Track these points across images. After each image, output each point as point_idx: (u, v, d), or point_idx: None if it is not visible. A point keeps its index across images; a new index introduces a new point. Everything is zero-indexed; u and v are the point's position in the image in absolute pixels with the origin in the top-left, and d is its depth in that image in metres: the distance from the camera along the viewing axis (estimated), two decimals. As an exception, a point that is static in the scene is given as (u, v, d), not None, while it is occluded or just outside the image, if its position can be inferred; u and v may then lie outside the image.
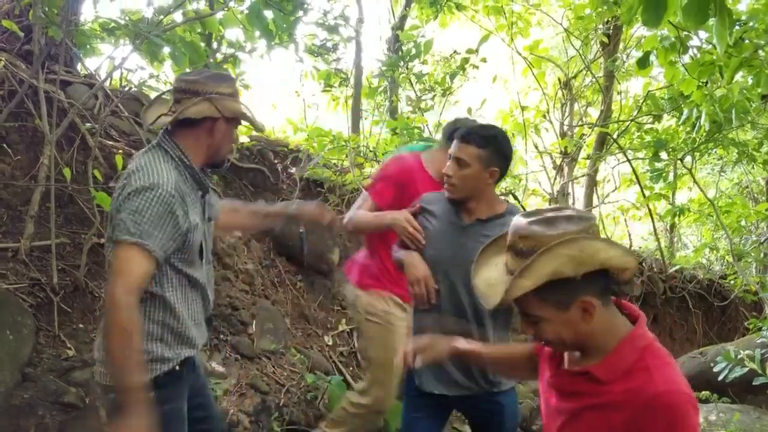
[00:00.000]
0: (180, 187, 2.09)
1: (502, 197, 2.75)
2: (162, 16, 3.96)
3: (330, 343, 4.76)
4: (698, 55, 5.31)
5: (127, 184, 2.05)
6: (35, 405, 2.91)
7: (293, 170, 5.68)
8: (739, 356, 4.01)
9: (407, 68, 6.16)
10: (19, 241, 3.46)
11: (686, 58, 5.34)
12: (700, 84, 5.55)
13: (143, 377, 1.97)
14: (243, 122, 2.31)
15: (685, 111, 6.31)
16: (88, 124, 3.93)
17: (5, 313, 3.03)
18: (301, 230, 5.03)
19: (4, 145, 3.77)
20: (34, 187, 3.63)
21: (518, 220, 1.53)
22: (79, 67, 4.65)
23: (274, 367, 4.10)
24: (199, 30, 4.61)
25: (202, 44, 4.60)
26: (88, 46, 4.42)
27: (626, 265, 1.47)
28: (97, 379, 2.14)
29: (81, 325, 3.39)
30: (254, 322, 4.23)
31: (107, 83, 4.37)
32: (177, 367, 2.16)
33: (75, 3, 4.18)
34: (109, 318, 1.96)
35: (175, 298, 2.14)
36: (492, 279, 1.54)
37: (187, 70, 4.39)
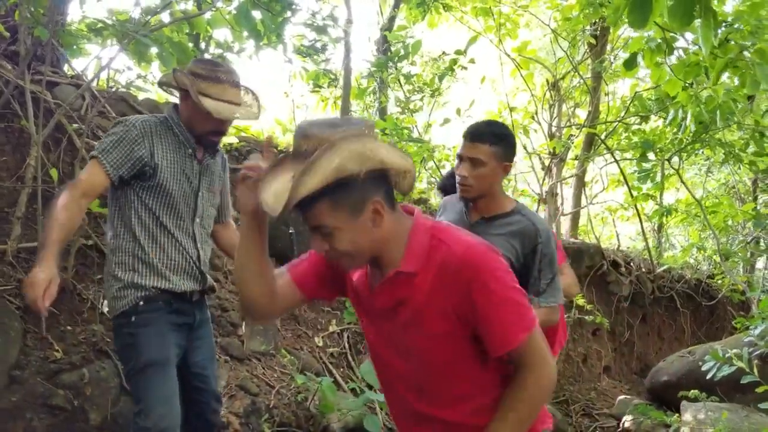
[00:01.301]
0: (150, 127, 2.50)
1: (539, 217, 2.76)
2: (149, 17, 3.94)
3: (320, 344, 4.75)
4: (684, 57, 5.35)
5: None
6: (23, 408, 2.88)
7: (282, 171, 5.66)
8: (726, 355, 4.05)
9: (396, 69, 6.17)
10: (5, 243, 3.43)
11: (673, 59, 5.39)
12: (686, 85, 5.59)
13: (60, 240, 2.32)
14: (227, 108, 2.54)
15: (671, 112, 6.36)
16: (75, 125, 3.90)
17: (-8, 315, 3.00)
18: (291, 231, 5.02)
19: (-10, 146, 3.74)
20: (20, 188, 3.60)
21: (301, 125, 1.53)
22: (65, 67, 4.62)
23: (264, 368, 4.09)
24: (186, 30, 4.59)
25: (190, 44, 4.58)
26: (74, 47, 4.39)
27: (405, 167, 1.52)
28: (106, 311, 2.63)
29: (69, 327, 3.36)
30: (244, 323, 4.22)
31: (94, 84, 4.34)
32: (155, 298, 2.44)
33: (61, 3, 4.14)
34: (54, 201, 2.40)
35: (143, 234, 2.48)
36: (279, 189, 1.46)
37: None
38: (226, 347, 4.00)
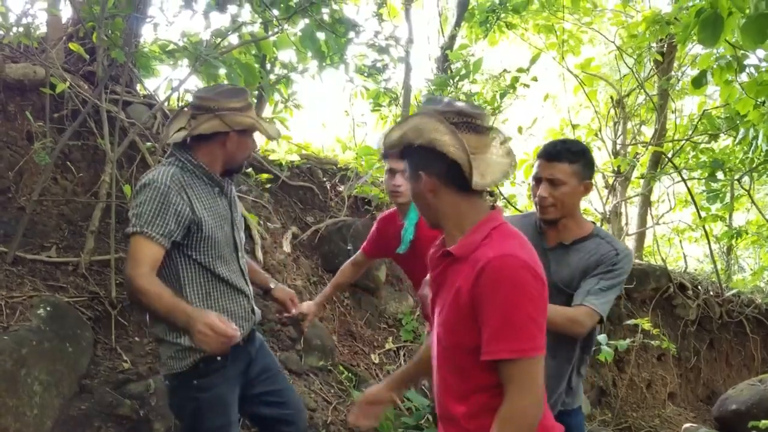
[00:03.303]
0: (179, 179, 2.32)
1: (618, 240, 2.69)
2: (219, 39, 4.08)
3: (377, 361, 4.76)
4: (755, 74, 5.18)
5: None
6: (92, 416, 3.00)
7: (341, 188, 5.74)
8: (801, 386, 3.86)
9: (456, 87, 6.17)
10: (79, 256, 3.58)
11: (743, 77, 5.22)
12: (757, 103, 5.40)
13: (182, 306, 2.18)
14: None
15: (741, 131, 6.15)
16: (148, 143, 4.06)
17: (65, 325, 3.13)
18: (349, 247, 5.08)
19: (67, 162, 3.92)
20: (95, 203, 3.76)
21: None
22: (138, 87, 4.81)
23: (321, 384, 4.13)
24: (253, 52, 4.72)
25: (257, 66, 4.72)
26: (148, 68, 4.58)
27: (455, 156, 1.60)
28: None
29: (137, 339, 3.49)
30: (302, 338, 4.27)
31: (165, 103, 4.51)
32: (215, 358, 2.33)
33: (136, 25, 4.34)
34: (131, 293, 2.24)
35: (193, 292, 2.35)
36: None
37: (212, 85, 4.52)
38: (284, 361, 4.05)
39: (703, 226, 8.50)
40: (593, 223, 2.56)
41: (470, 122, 1.66)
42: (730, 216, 8.77)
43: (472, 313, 1.60)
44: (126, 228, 2.30)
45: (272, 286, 2.86)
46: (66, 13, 4.48)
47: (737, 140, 6.53)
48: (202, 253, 2.36)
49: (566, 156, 2.34)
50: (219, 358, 2.35)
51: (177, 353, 2.35)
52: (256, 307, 2.62)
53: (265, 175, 5.07)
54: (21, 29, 3.88)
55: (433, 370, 1.83)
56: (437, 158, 1.62)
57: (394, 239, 3.02)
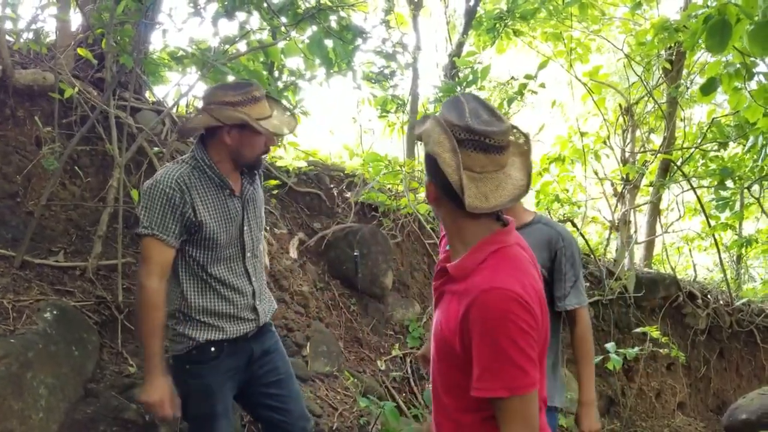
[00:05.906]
0: (185, 180, 2.34)
1: (561, 224, 2.82)
2: (227, 46, 4.09)
3: (383, 368, 4.75)
4: (764, 82, 5.16)
5: None
6: (97, 420, 2.99)
7: (348, 194, 5.74)
8: (811, 395, 3.82)
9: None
10: (86, 260, 3.59)
11: (752, 85, 5.20)
12: (767, 111, 5.38)
13: (160, 347, 2.34)
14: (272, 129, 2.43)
15: (751, 139, 6.13)
16: (156, 149, 4.08)
17: (72, 329, 3.13)
18: (355, 254, 5.08)
19: (76, 167, 3.94)
20: (102, 208, 3.78)
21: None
22: (147, 94, 4.84)
23: (327, 390, 4.12)
24: (261, 59, 4.74)
25: (264, 73, 4.73)
26: (157, 74, 4.60)
27: (446, 171, 1.51)
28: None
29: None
30: (308, 344, 4.27)
31: (174, 110, 4.53)
32: (210, 348, 2.44)
33: (145, 32, 4.37)
34: (136, 297, 2.42)
35: (190, 289, 2.43)
36: None
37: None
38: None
39: (713, 235, 8.46)
40: (535, 212, 2.66)
41: (479, 141, 1.52)
42: (740, 225, 8.71)
43: (462, 339, 1.54)
44: (137, 229, 2.36)
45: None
46: (76, 19, 4.52)
47: (746, 148, 6.51)
48: (200, 252, 2.41)
49: None
50: (212, 348, 2.45)
51: (174, 337, 2.46)
52: (263, 307, 2.62)
53: (272, 181, 5.08)
54: (31, 35, 3.92)
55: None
56: (438, 170, 1.53)
57: None
